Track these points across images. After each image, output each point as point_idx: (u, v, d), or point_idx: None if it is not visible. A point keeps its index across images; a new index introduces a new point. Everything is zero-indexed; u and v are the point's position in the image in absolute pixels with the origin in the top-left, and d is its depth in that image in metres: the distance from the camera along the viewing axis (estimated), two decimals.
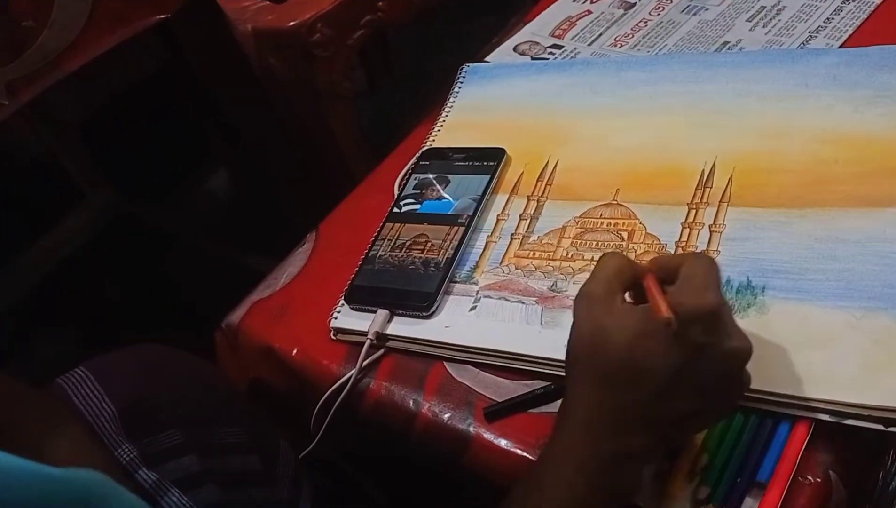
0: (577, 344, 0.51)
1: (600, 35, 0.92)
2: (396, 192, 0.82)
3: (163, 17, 0.82)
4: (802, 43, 0.80)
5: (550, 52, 0.92)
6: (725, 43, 0.84)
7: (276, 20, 1.14)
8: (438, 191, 0.77)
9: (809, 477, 0.53)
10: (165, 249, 1.49)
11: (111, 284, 1.44)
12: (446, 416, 0.64)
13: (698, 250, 0.64)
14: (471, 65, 0.90)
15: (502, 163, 0.77)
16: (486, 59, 0.95)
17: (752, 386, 0.54)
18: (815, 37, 0.81)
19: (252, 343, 0.76)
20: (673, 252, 0.65)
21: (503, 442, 0.61)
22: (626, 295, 0.52)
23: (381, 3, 1.18)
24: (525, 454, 0.60)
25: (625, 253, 0.66)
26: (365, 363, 0.69)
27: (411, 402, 0.66)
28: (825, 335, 0.56)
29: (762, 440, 0.54)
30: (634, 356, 0.47)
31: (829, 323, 0.56)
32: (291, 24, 1.14)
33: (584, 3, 0.97)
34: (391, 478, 0.76)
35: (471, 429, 0.63)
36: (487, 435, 0.62)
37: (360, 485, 0.79)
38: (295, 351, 0.73)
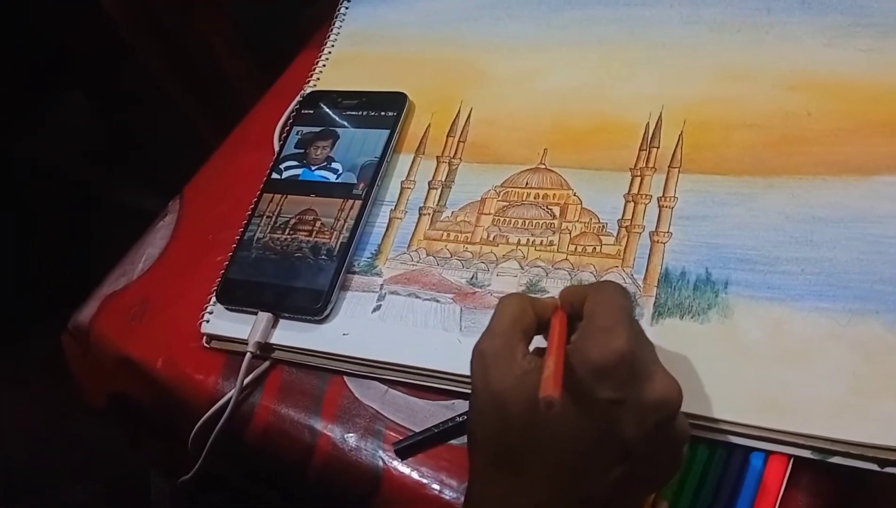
0: (475, 421, 0.41)
1: None
2: (276, 147, 0.67)
3: None
4: None
5: None
6: None
7: None
8: (326, 150, 0.62)
9: None
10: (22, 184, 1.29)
11: None
12: (350, 449, 0.53)
13: (644, 232, 0.52)
14: None
15: (404, 112, 0.63)
16: None
17: (717, 415, 0.45)
18: None
19: (106, 351, 0.62)
20: (615, 233, 0.53)
21: (421, 482, 0.50)
22: (532, 345, 0.41)
23: None
24: (450, 495, 0.49)
25: (557, 233, 0.54)
26: (247, 380, 0.56)
27: (307, 431, 0.54)
28: (804, 346, 0.46)
29: (731, 480, 0.45)
30: (540, 432, 0.38)
31: (809, 331, 0.46)
32: None
33: None
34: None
35: (381, 466, 0.52)
36: (401, 473, 0.51)
37: (259, 498, 0.68)
38: (160, 362, 0.59)
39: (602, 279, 0.51)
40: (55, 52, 1.18)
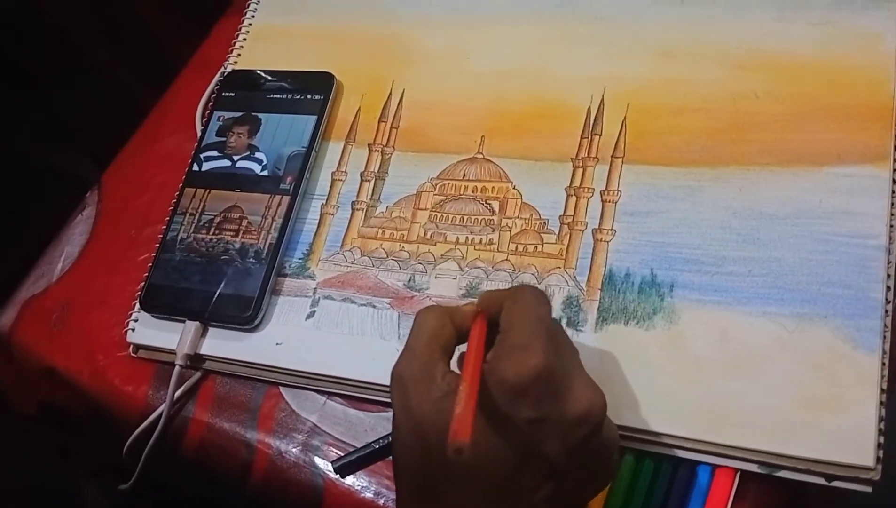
0: (397, 450, 0.39)
1: None
2: (199, 133, 0.62)
3: None
4: None
5: None
6: None
7: None
8: (244, 137, 0.58)
9: None
10: None
11: None
12: (289, 464, 0.51)
13: (587, 229, 0.50)
14: None
15: (332, 95, 0.58)
16: None
17: (662, 429, 0.44)
18: None
19: (30, 360, 0.59)
20: (557, 230, 0.50)
21: (364, 499, 0.49)
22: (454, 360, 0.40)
23: None
24: (393, 507, 0.48)
25: (497, 231, 0.51)
26: (178, 393, 0.53)
27: (243, 446, 0.52)
28: (751, 355, 0.44)
29: (679, 494, 0.44)
30: (460, 458, 0.35)
31: (756, 339, 0.44)
32: None
33: None
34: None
35: (321, 483, 0.50)
36: (343, 490, 0.49)
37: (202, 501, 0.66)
38: (86, 374, 0.56)
39: (518, 284, 0.49)
40: None
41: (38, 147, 1.16)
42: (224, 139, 0.59)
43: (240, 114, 0.59)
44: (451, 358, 0.40)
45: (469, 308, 0.41)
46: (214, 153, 0.59)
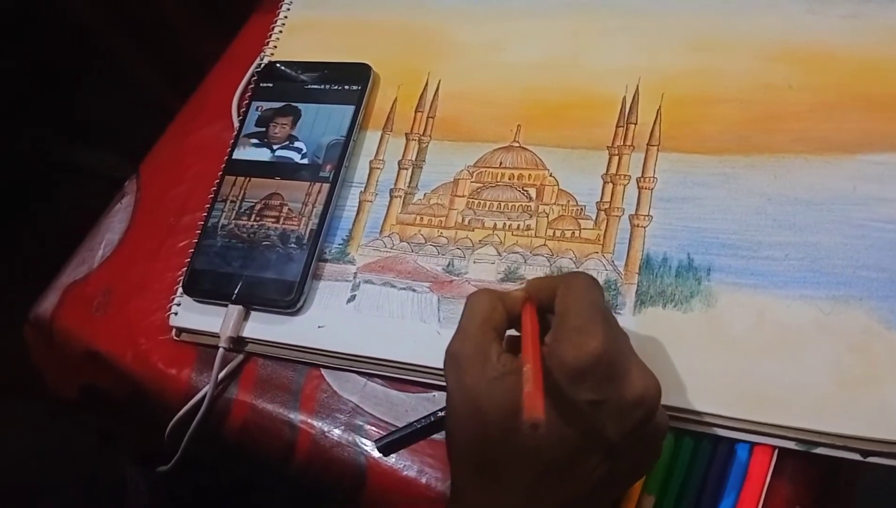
0: (452, 426, 0.40)
1: None
2: (235, 121, 0.64)
3: None
4: None
5: None
6: None
7: None
8: (287, 128, 0.60)
9: None
10: None
11: None
12: (332, 443, 0.52)
13: (624, 215, 0.51)
14: None
15: (369, 86, 0.60)
16: None
17: (701, 408, 0.45)
18: None
19: (72, 345, 0.60)
20: (594, 216, 0.52)
21: (407, 477, 0.50)
22: (505, 342, 0.41)
23: None
24: (437, 486, 0.49)
25: (534, 217, 0.53)
26: (221, 375, 0.54)
27: (286, 426, 0.53)
28: (788, 337, 0.45)
29: (718, 472, 0.45)
30: (519, 440, 0.37)
31: (793, 321, 0.46)
32: None
33: None
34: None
35: (364, 461, 0.51)
36: (386, 468, 0.51)
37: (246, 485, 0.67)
38: (129, 357, 0.57)
39: (571, 271, 0.50)
40: None
41: (57, 142, 1.18)
42: (263, 129, 0.60)
43: (279, 104, 0.61)
44: (503, 340, 0.41)
45: (518, 294, 0.42)
46: (254, 142, 0.60)
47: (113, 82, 1.06)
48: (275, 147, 0.59)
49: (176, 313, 0.57)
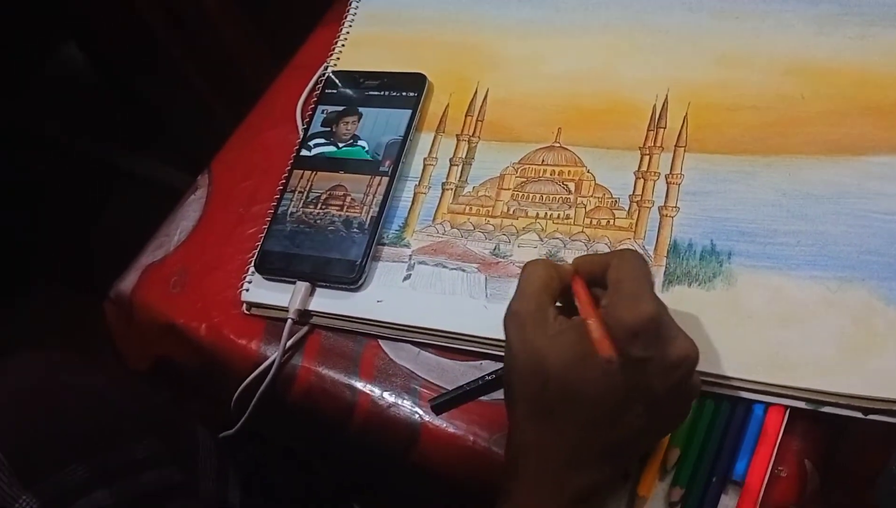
0: (515, 376, 0.46)
1: None
2: (300, 123, 0.71)
3: None
4: None
5: None
6: None
7: None
8: (353, 126, 0.66)
9: (783, 469, 0.50)
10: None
11: None
12: (388, 405, 0.58)
13: (654, 207, 0.57)
14: None
15: (424, 93, 0.67)
16: None
17: (722, 372, 0.51)
18: None
19: (150, 318, 0.66)
20: (627, 207, 0.58)
21: (456, 434, 0.56)
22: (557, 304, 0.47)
23: None
24: (481, 443, 0.55)
25: (573, 208, 0.59)
26: (288, 344, 0.61)
27: (347, 390, 0.59)
28: (800, 311, 0.51)
29: (736, 429, 0.51)
30: (577, 384, 0.43)
31: (804, 297, 0.52)
32: None
33: None
34: (328, 454, 0.70)
35: (418, 420, 0.57)
36: (437, 426, 0.57)
37: (296, 456, 0.73)
38: (203, 328, 0.64)
39: (621, 248, 0.56)
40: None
41: (113, 149, 1.26)
42: (329, 129, 0.67)
43: (343, 108, 0.68)
44: (556, 305, 0.47)
45: (568, 267, 0.48)
46: (321, 141, 0.67)
47: (173, 99, 1.14)
48: (340, 145, 0.66)
49: (247, 290, 0.63)
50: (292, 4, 0.94)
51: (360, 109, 0.67)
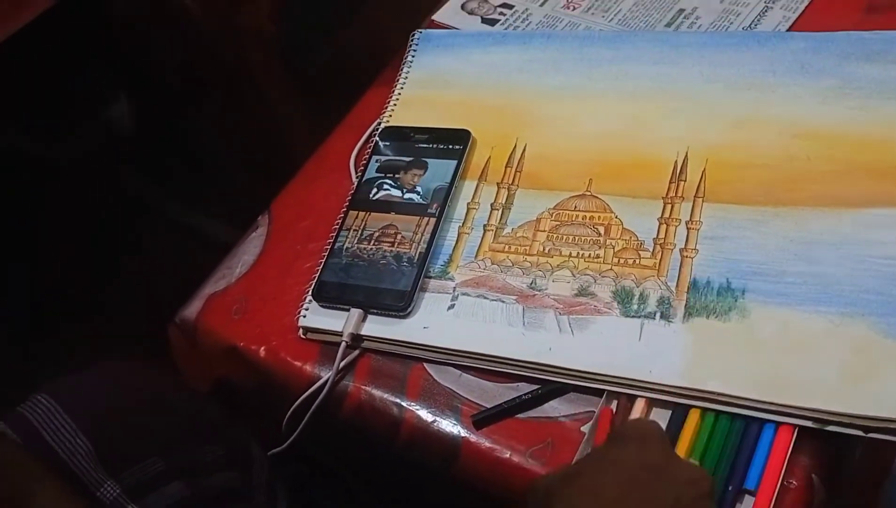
0: None
1: None
2: (353, 172, 0.79)
3: None
4: (759, 14, 0.80)
5: (501, 12, 0.89)
6: (681, 11, 0.83)
7: None
8: (416, 180, 0.74)
9: (793, 481, 0.56)
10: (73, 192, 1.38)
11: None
12: (432, 421, 0.64)
13: (675, 249, 0.64)
14: (423, 31, 0.86)
15: (468, 146, 0.75)
16: (434, 17, 0.90)
17: (737, 393, 0.57)
18: (771, 8, 0.81)
19: (213, 341, 0.73)
20: (651, 249, 0.65)
21: (494, 448, 0.61)
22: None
23: None
24: (517, 459, 0.61)
25: (603, 248, 0.66)
26: (342, 365, 0.67)
27: (394, 407, 0.65)
28: (806, 341, 0.58)
29: (749, 445, 0.57)
30: None
31: (810, 329, 0.58)
32: None
33: None
34: (371, 470, 0.76)
35: (459, 435, 0.63)
36: (477, 442, 0.62)
37: (338, 475, 0.78)
38: (263, 351, 0.70)
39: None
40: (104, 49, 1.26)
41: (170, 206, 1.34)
42: (382, 176, 0.75)
43: (396, 158, 0.75)
44: None
45: None
46: (374, 186, 0.74)
47: (215, 149, 1.23)
48: (405, 190, 0.73)
49: (304, 316, 0.69)
50: (335, 70, 1.03)
51: (412, 160, 0.75)
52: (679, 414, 0.58)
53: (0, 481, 0.49)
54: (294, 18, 1.16)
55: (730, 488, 0.55)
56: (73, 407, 0.57)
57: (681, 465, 0.49)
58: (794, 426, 0.56)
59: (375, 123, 0.81)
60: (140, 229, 1.35)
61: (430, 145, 0.76)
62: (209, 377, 0.75)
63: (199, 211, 1.33)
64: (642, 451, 0.48)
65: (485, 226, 0.70)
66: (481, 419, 0.62)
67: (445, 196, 0.72)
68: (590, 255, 0.66)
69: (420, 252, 0.69)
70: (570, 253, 0.67)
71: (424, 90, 0.81)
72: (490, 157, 0.75)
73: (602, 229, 0.67)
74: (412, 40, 0.85)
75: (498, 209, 0.71)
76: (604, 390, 0.60)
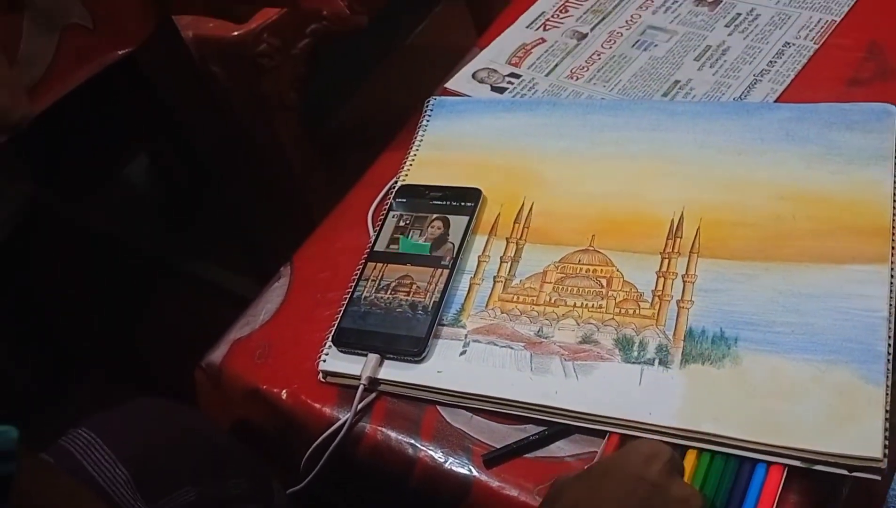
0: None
1: (556, 66, 0.96)
2: (370, 227, 0.84)
3: (128, 51, 0.80)
4: (748, 86, 0.86)
5: (509, 81, 0.95)
6: (676, 82, 0.89)
7: (219, 28, 1.13)
8: (441, 231, 0.79)
9: None
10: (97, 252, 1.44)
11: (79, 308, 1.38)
12: (445, 461, 0.68)
13: (672, 300, 0.69)
14: (437, 98, 0.93)
15: (479, 204, 0.80)
16: (447, 85, 0.97)
17: (733, 434, 0.61)
18: (760, 81, 0.87)
19: (237, 384, 0.77)
20: (650, 300, 0.70)
21: (503, 487, 0.65)
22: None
23: (325, 13, 1.17)
24: (525, 497, 0.64)
25: (605, 299, 0.71)
26: (359, 407, 0.71)
27: (409, 447, 0.69)
28: (794, 386, 0.62)
29: (742, 484, 0.61)
30: None
31: (797, 375, 0.63)
32: (236, 33, 1.13)
33: (537, 30, 1.01)
34: None
35: (471, 474, 0.67)
36: (487, 480, 0.66)
37: None
38: (284, 393, 0.74)
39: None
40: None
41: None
42: (400, 229, 0.80)
43: (412, 214, 0.81)
44: None
45: None
46: (391, 240, 0.80)
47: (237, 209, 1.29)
48: (430, 240, 0.78)
49: (325, 361, 0.74)
50: (350, 132, 1.09)
51: (426, 216, 0.80)
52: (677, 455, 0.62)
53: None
54: (314, 86, 1.23)
55: None
56: (111, 439, 0.61)
57: (677, 486, 0.53)
58: (784, 465, 0.60)
59: (392, 181, 0.87)
60: (164, 286, 1.41)
61: (444, 202, 0.81)
62: (231, 418, 0.79)
63: (221, 266, 1.38)
64: (647, 466, 0.53)
65: (495, 277, 0.75)
66: (491, 459, 0.66)
67: (458, 250, 0.77)
68: (593, 305, 0.71)
69: (434, 301, 0.74)
70: (575, 303, 0.72)
71: (438, 152, 0.87)
72: (499, 213, 0.80)
73: (604, 282, 0.72)
74: (427, 106, 0.92)
75: (507, 262, 0.76)
76: (606, 431, 0.64)
